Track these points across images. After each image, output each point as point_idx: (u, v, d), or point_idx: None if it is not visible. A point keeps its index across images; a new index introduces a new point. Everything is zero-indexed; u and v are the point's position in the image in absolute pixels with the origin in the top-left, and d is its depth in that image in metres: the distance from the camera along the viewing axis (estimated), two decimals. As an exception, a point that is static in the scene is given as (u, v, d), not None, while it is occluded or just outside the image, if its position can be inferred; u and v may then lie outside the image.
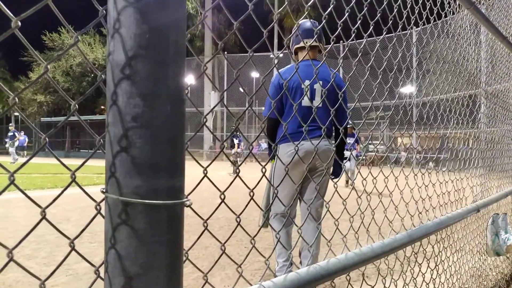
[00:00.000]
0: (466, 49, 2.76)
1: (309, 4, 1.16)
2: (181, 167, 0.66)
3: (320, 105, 2.63)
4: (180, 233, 0.65)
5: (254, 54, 0.98)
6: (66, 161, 0.64)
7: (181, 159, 0.66)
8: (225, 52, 28.01)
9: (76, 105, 0.66)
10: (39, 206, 0.60)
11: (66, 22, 0.70)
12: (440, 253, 1.95)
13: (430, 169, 2.02)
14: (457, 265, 2.26)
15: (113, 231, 0.61)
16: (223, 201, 0.83)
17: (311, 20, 2.73)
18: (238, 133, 14.93)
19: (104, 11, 0.66)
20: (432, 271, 1.85)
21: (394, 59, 1.69)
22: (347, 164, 4.08)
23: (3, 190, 0.56)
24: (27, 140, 20.93)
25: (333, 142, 2.81)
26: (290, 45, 2.89)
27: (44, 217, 0.60)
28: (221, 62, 29.22)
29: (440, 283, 1.93)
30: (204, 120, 0.79)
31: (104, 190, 0.63)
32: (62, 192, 0.64)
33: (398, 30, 1.67)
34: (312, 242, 2.55)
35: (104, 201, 0.64)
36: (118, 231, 0.61)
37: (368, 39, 1.43)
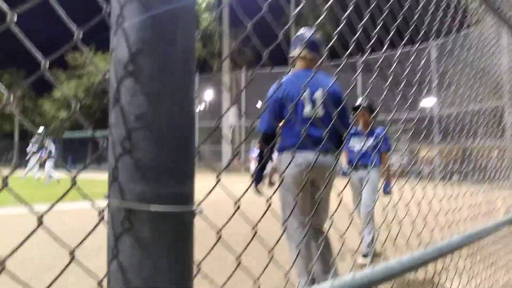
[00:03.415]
0: (489, 59, 2.65)
1: (320, 19, 1.10)
2: (190, 172, 0.60)
3: (322, 115, 2.53)
4: (189, 245, 0.59)
5: (271, 69, 0.93)
6: (87, 175, 0.59)
7: (190, 163, 0.60)
8: (243, 68, 28.21)
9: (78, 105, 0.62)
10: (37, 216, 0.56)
11: (70, 20, 0.66)
12: (472, 268, 1.83)
13: (454, 182, 1.92)
14: (490, 281, 2.11)
15: (115, 240, 0.56)
16: (238, 208, 0.77)
17: (309, 29, 2.69)
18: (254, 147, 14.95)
19: (107, 9, 0.62)
20: (465, 286, 1.73)
21: (415, 72, 1.62)
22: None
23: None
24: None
25: (335, 155, 2.70)
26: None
27: (40, 223, 0.55)
28: (238, 79, 29.45)
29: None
30: (221, 131, 0.73)
31: (106, 196, 0.58)
32: (61, 197, 0.59)
33: (418, 41, 1.60)
34: (315, 260, 2.45)
35: (107, 208, 0.59)
36: (120, 240, 0.55)
37: (387, 53, 1.37)
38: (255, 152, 16.47)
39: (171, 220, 0.56)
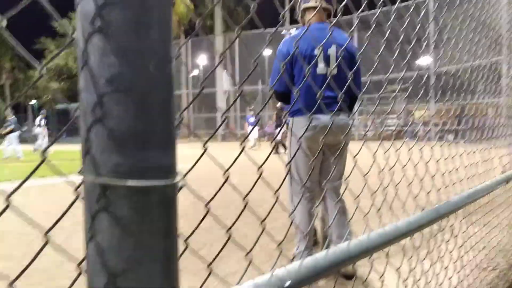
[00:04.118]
0: (487, 14, 2.54)
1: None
2: (170, 139, 0.54)
3: (335, 73, 2.38)
4: (173, 220, 0.54)
5: (265, 30, 0.86)
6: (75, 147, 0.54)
7: (171, 130, 0.54)
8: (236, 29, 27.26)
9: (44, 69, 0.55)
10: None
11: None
12: (467, 229, 1.83)
13: (449, 142, 1.87)
14: (485, 241, 2.13)
15: (91, 220, 0.51)
16: (227, 179, 0.72)
17: None
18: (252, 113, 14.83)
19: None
20: (459, 249, 1.73)
21: (411, 29, 1.53)
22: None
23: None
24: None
25: (350, 115, 2.62)
26: (298, 6, 2.60)
27: (8, 205, 0.50)
28: (232, 41, 28.62)
29: (468, 261, 1.81)
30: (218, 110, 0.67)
31: (80, 171, 0.53)
32: (30, 174, 0.53)
33: None
34: (332, 222, 2.41)
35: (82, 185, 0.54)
36: (97, 219, 0.50)
37: (383, 8, 1.29)
38: (250, 119, 16.40)
39: (152, 195, 0.51)
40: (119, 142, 0.50)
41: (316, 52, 2.33)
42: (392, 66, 1.38)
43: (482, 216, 2.08)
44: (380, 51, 1.33)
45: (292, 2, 1.21)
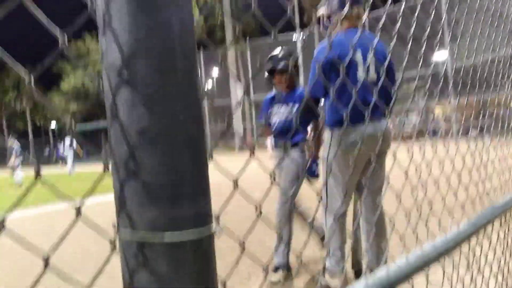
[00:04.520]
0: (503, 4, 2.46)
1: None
2: (205, 185, 0.53)
3: (375, 79, 2.26)
4: (211, 270, 0.52)
5: (274, 37, 0.84)
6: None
7: (205, 176, 0.52)
8: (247, 38, 27.32)
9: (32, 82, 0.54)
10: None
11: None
12: (506, 237, 1.75)
13: (473, 137, 1.78)
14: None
15: (130, 275, 0.49)
16: (259, 213, 0.69)
17: None
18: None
19: (93, 3, 0.53)
20: (499, 260, 1.66)
21: (425, 24, 1.48)
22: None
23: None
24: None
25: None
26: (325, 15, 2.44)
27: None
28: (243, 50, 28.78)
29: (509, 272, 1.73)
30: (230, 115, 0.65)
31: (115, 225, 0.52)
32: (21, 199, 0.52)
33: None
34: (381, 236, 2.29)
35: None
36: (136, 276, 0.49)
37: (394, 8, 1.26)
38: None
39: (190, 247, 0.49)
40: (154, 195, 0.48)
41: (358, 57, 2.22)
42: (404, 64, 1.34)
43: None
44: (408, 47, 1.30)
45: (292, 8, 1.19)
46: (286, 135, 2.85)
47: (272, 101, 3.02)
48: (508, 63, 2.34)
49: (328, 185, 2.32)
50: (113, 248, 0.53)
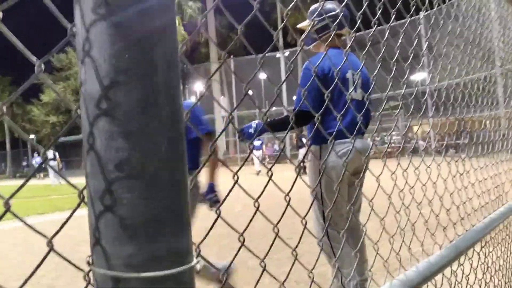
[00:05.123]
0: (479, 29, 2.54)
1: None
2: (185, 220, 0.51)
3: (361, 98, 2.34)
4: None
5: (260, 55, 0.85)
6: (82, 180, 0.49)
7: (185, 211, 0.51)
8: (231, 56, 27.52)
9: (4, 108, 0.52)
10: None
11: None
12: (486, 259, 1.77)
13: (451, 156, 1.80)
14: (504, 269, 2.06)
15: (104, 316, 0.47)
16: (257, 209, 0.68)
17: (334, 2, 2.37)
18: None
19: (73, 29, 0.51)
20: (480, 281, 1.67)
21: (406, 46, 1.52)
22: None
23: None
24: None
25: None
26: (312, 33, 2.44)
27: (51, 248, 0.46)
28: (228, 67, 28.91)
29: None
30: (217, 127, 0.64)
31: (89, 261, 0.49)
32: (71, 215, 0.49)
33: (409, 15, 1.50)
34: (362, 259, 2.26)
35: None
36: (110, 315, 0.46)
37: (378, 27, 1.29)
38: (255, 142, 16.41)
39: (167, 283, 0.47)
40: (131, 231, 0.46)
41: (348, 76, 2.29)
42: (390, 84, 1.37)
43: (498, 243, 2.02)
44: (377, 69, 1.33)
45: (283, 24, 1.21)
46: None
47: None
48: (477, 86, 2.41)
49: (318, 204, 2.31)
50: (88, 283, 0.51)
